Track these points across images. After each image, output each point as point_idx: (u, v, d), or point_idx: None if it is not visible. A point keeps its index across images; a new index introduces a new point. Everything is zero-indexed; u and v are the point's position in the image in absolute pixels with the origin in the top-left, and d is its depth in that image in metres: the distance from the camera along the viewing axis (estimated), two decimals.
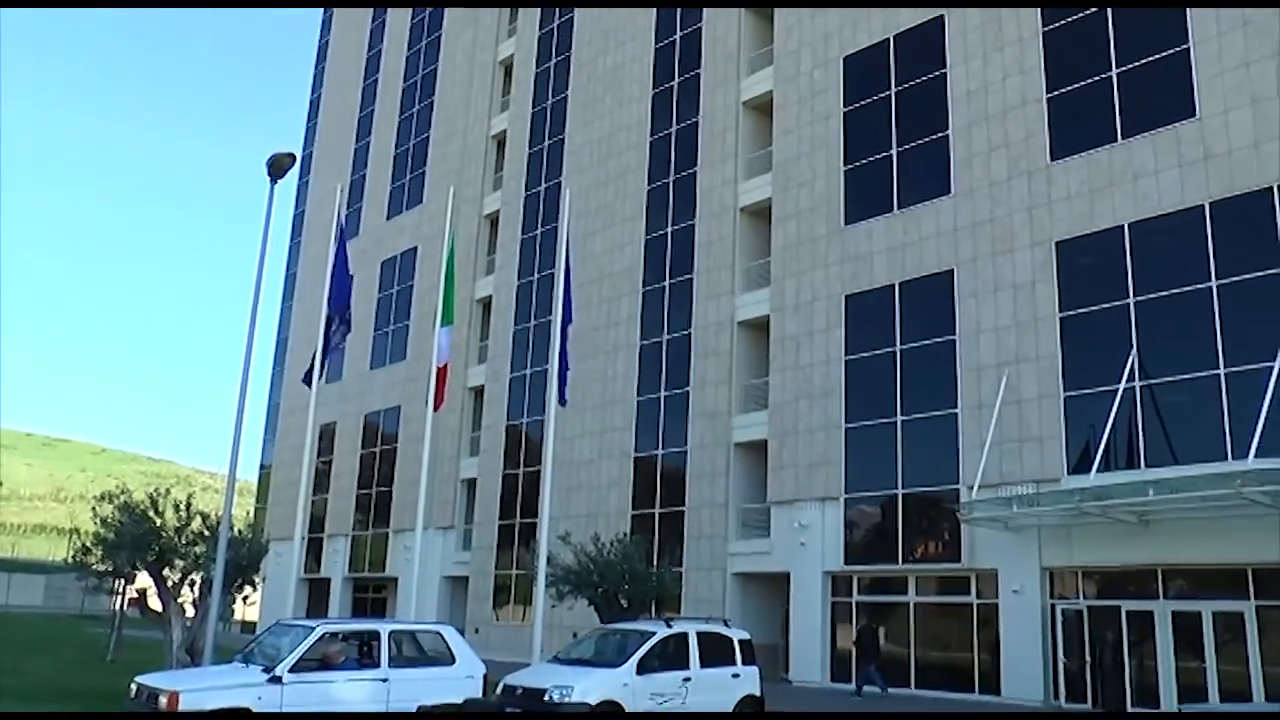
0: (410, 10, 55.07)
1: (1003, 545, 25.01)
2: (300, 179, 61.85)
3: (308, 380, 21.25)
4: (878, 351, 28.64)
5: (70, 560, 20.69)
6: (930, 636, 27.12)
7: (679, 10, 38.49)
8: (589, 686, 15.48)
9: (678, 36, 38.34)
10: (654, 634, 16.66)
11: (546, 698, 15.28)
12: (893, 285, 28.81)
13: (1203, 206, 23.03)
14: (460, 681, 14.71)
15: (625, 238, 37.98)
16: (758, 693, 17.40)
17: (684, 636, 16.92)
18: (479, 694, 14.81)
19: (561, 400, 21.11)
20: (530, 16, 46.31)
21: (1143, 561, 22.87)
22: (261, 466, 59.18)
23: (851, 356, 29.33)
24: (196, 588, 19.58)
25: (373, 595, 48.01)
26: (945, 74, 28.95)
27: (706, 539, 32.08)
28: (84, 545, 19.63)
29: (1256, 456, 19.91)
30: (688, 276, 35.13)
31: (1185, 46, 24.05)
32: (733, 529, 31.80)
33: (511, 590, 38.62)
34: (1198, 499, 20.65)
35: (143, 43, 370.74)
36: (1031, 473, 24.63)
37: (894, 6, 30.67)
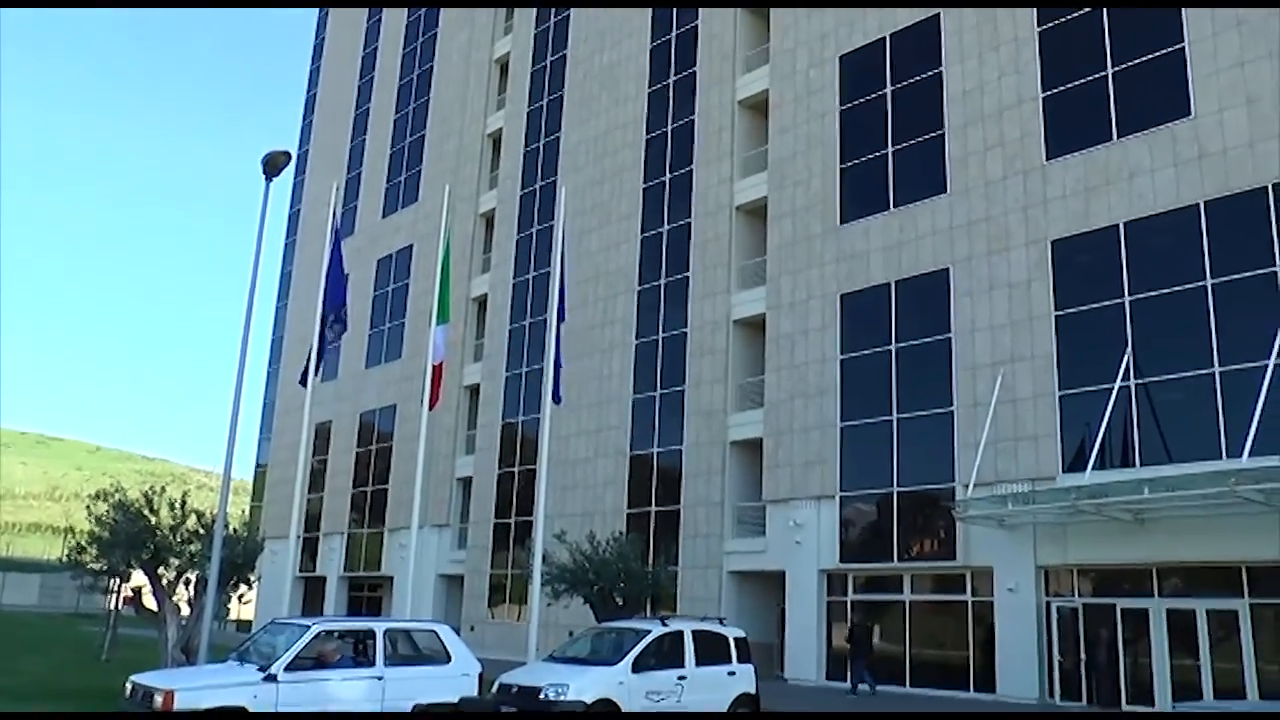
0: (406, 9, 55.03)
1: (998, 543, 25.05)
2: (296, 177, 61.72)
3: (304, 380, 21.24)
4: (873, 350, 28.66)
5: (65, 559, 20.61)
6: (925, 635, 27.15)
7: (675, 9, 38.49)
8: (584, 685, 15.49)
9: (673, 35, 38.34)
10: (649, 632, 16.67)
11: (542, 696, 15.29)
12: (888, 284, 28.83)
13: (1198, 205, 23.08)
14: (456, 680, 14.71)
15: (621, 236, 37.98)
16: (753, 691, 17.42)
17: (679, 635, 16.93)
18: (474, 692, 14.82)
19: (556, 399, 21.12)
20: (526, 15, 46.29)
21: (1138, 560, 22.92)
22: (257, 465, 59.10)
23: (847, 355, 29.35)
24: (191, 586, 19.55)
25: (368, 594, 47.99)
26: (941, 73, 28.97)
27: (702, 537, 32.09)
28: (79, 544, 19.58)
29: (1251, 455, 19.96)
30: (683, 275, 35.14)
31: (1180, 46, 24.09)
32: (728, 527, 31.82)
33: (507, 589, 38.62)
34: (1193, 497, 20.71)
35: (138, 42, 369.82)
36: (1027, 471, 24.66)
37: (890, 6, 30.69)
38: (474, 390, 43.54)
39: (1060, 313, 25.05)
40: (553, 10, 44.69)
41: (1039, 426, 24.75)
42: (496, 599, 39.14)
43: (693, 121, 36.48)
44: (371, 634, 14.53)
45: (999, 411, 25.26)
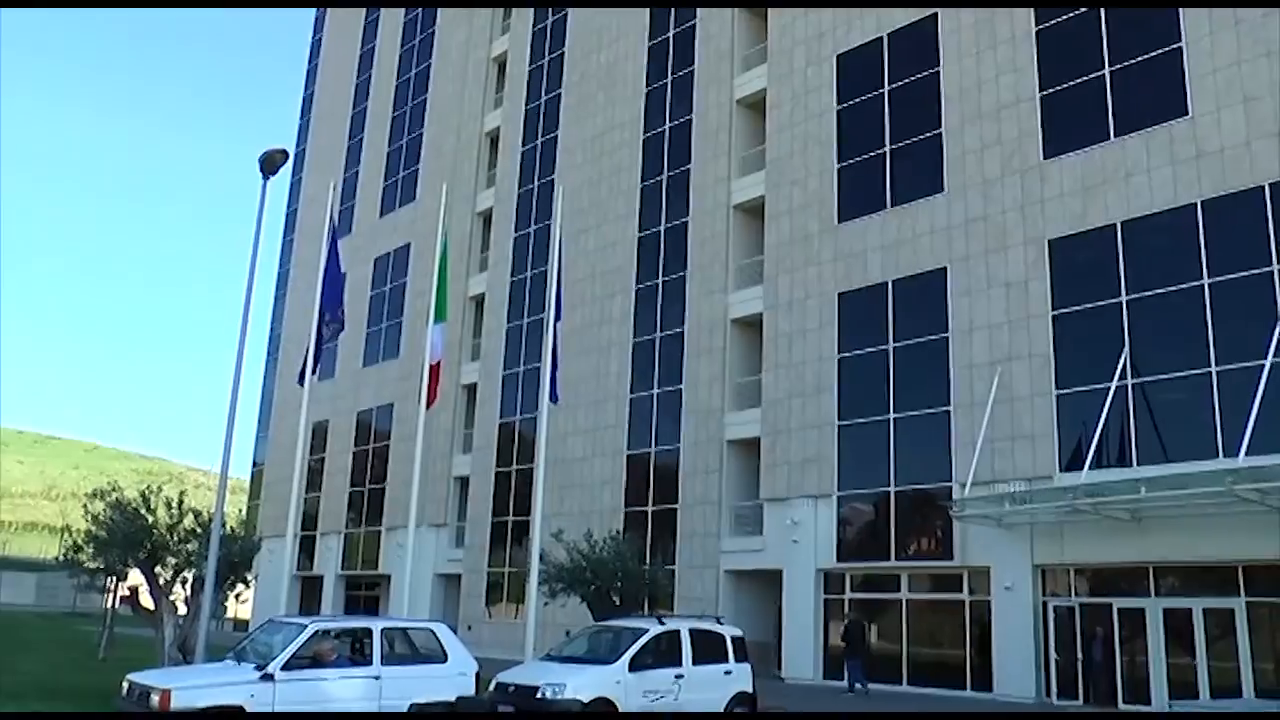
0: (403, 7, 54.96)
1: (995, 542, 25.06)
2: (293, 176, 61.71)
3: (301, 379, 21.22)
4: (871, 349, 28.68)
5: (62, 558, 20.60)
6: (922, 633, 27.16)
7: (673, 9, 38.48)
8: (581, 684, 15.48)
9: (671, 34, 38.32)
10: (646, 631, 16.66)
11: (539, 695, 15.28)
12: (886, 283, 28.84)
13: (1195, 205, 23.10)
14: (453, 679, 14.71)
15: (618, 235, 37.97)
16: (750, 690, 17.41)
17: (676, 634, 16.93)
18: (471, 691, 14.82)
19: (553, 397, 21.11)
20: (523, 14, 46.25)
21: (1134, 559, 22.94)
22: (254, 464, 59.11)
23: (844, 354, 29.36)
24: (188, 585, 19.54)
25: (365, 593, 47.98)
26: (938, 72, 28.97)
27: (699, 536, 32.09)
28: (75, 543, 19.57)
29: (1248, 454, 19.97)
30: (681, 274, 35.13)
31: (1178, 45, 24.11)
32: (725, 526, 31.83)
33: (504, 588, 38.62)
34: (1189, 497, 20.76)
35: (134, 39, 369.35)
36: (1024, 470, 24.68)
37: (887, 6, 30.68)
38: (471, 389, 43.53)
39: (1057, 312, 25.07)
40: (550, 9, 44.68)
41: (1036, 426, 24.77)
42: (494, 598, 39.14)
43: (690, 120, 36.47)
44: (368, 633, 14.53)
45: (996, 411, 25.28)
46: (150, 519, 19.22)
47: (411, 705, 14.11)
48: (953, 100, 28.44)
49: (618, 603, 23.10)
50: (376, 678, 14.03)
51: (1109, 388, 23.24)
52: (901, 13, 30.33)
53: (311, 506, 50.06)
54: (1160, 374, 22.91)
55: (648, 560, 28.26)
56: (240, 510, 58.49)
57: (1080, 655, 23.65)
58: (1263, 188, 22.10)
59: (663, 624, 17.08)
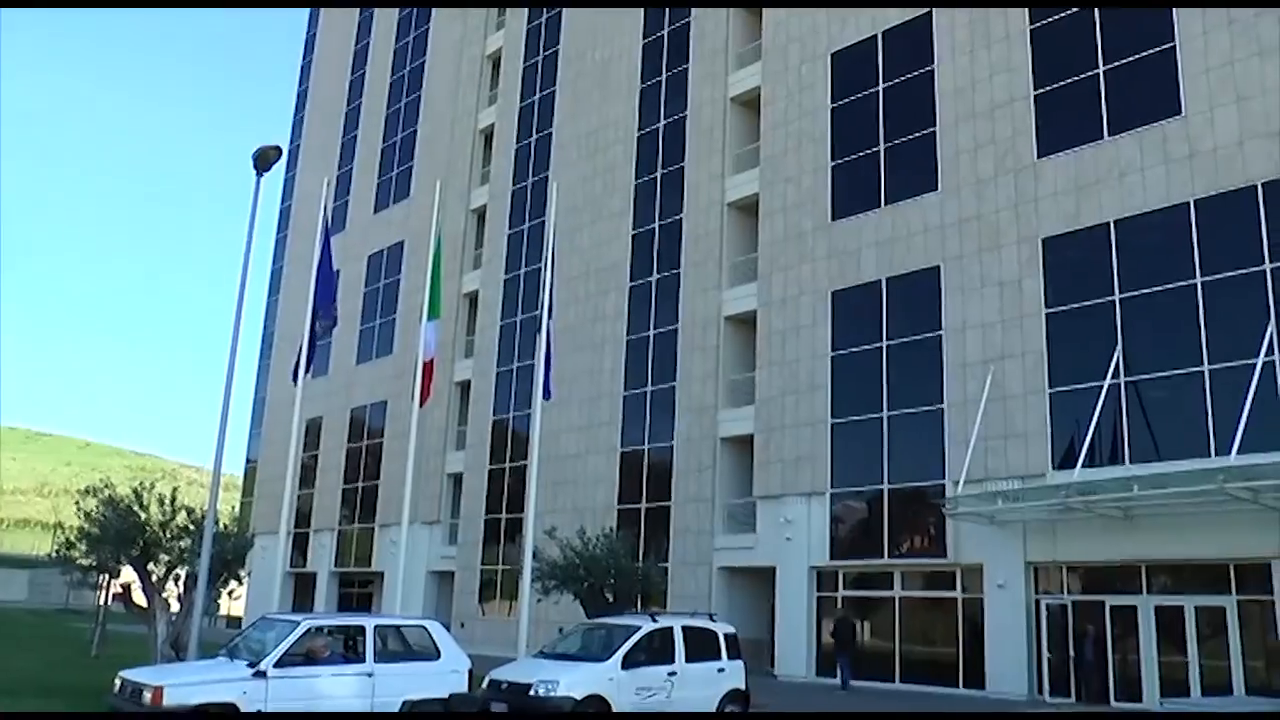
0: (398, 7, 54.79)
1: (988, 540, 25.11)
2: (287, 172, 61.57)
3: (295, 377, 21.17)
4: (864, 347, 28.70)
5: (54, 555, 20.57)
6: (915, 631, 27.21)
7: (667, 8, 38.43)
8: (574, 681, 15.48)
9: (665, 31, 38.30)
10: (639, 629, 16.66)
11: (532, 692, 15.28)
12: (879, 281, 28.86)
13: (1188, 204, 23.16)
14: (445, 676, 14.68)
15: (612, 232, 37.96)
16: (743, 687, 17.41)
17: (669, 631, 16.92)
18: (464, 689, 14.79)
19: (546, 394, 21.09)
20: (518, 11, 46.19)
21: (1126, 557, 23.00)
22: (247, 461, 58.99)
23: (838, 352, 29.38)
24: (181, 582, 19.51)
25: (358, 590, 47.94)
26: (933, 70, 29.00)
27: (692, 534, 32.11)
28: (68, 540, 19.53)
29: (1239, 452, 20.03)
30: (675, 271, 35.14)
31: (1171, 45, 24.16)
32: (719, 524, 31.84)
33: (498, 585, 38.61)
34: (1181, 495, 20.81)
35: (128, 36, 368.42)
36: (1016, 468, 24.73)
37: (882, 6, 30.69)
38: (465, 386, 43.51)
39: (1051, 310, 25.11)
40: (544, 6, 44.62)
41: (1029, 424, 24.82)
42: (487, 595, 39.13)
43: (684, 118, 36.47)
44: (361, 630, 14.49)
45: (989, 409, 25.31)
46: (143, 516, 19.18)
47: (404, 703, 14.08)
48: (947, 99, 28.47)
49: (611, 600, 23.09)
50: (369, 675, 14.00)
51: (1101, 386, 23.29)
52: (896, 11, 30.35)
53: (305, 503, 49.99)
54: (1152, 373, 22.96)
55: (641, 557, 28.24)
56: (233, 507, 58.40)
57: (1072, 653, 23.72)
58: (1255, 187, 22.16)
59: (656, 621, 17.08)
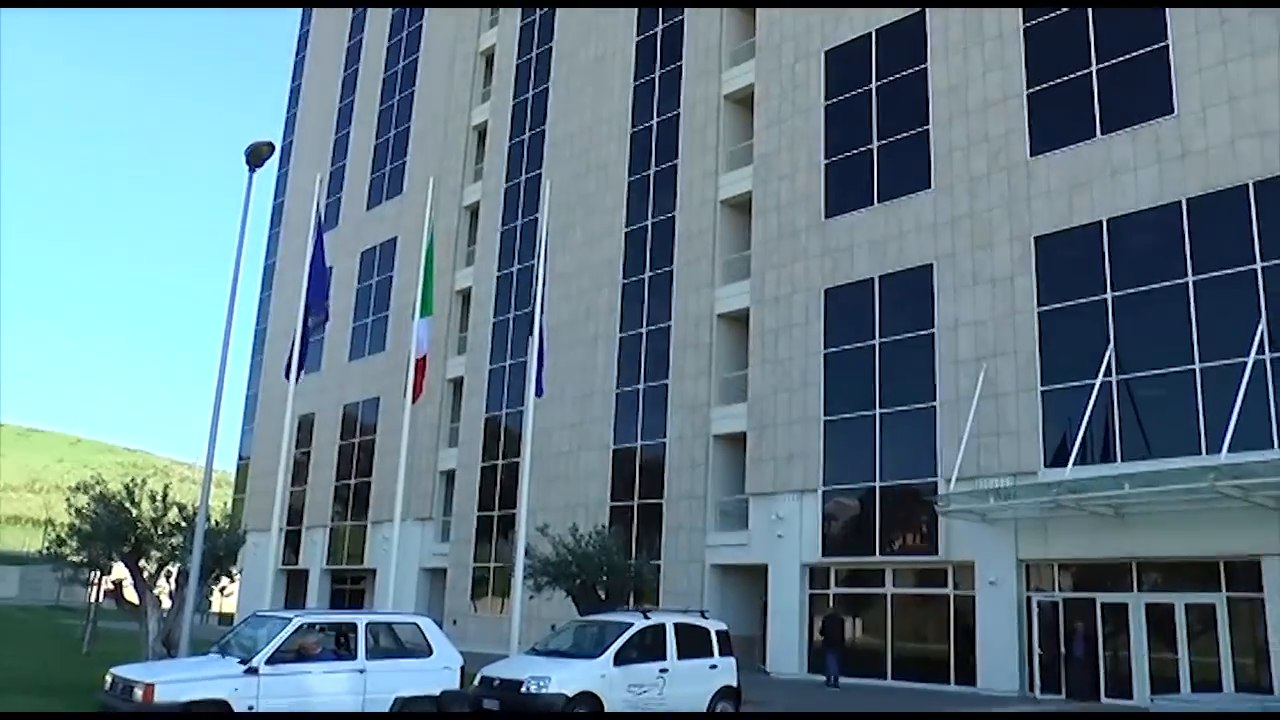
0: (392, 7, 54.64)
1: (979, 538, 25.16)
2: (280, 169, 61.44)
3: (288, 373, 21.13)
4: (857, 345, 28.73)
5: (45, 551, 20.48)
6: (907, 628, 27.27)
7: (660, 7, 38.39)
8: (566, 677, 15.50)
9: (659, 29, 38.28)
10: (631, 625, 16.68)
11: (524, 689, 15.30)
12: (872, 279, 28.89)
13: (1180, 203, 23.21)
14: (437, 673, 14.68)
15: (606, 230, 37.94)
16: (734, 684, 17.45)
17: (661, 628, 16.95)
18: (456, 685, 14.80)
19: (539, 391, 21.09)
20: (511, 8, 46.09)
21: (1118, 554, 23.06)
22: (240, 457, 58.89)
23: (831, 349, 29.41)
24: (173, 579, 19.46)
25: (351, 587, 47.89)
26: (926, 68, 29.01)
27: (685, 531, 32.13)
28: (59, 536, 19.45)
29: (1230, 450, 20.10)
30: (668, 269, 35.13)
31: (1164, 44, 24.20)
32: (711, 521, 31.86)
33: (490, 582, 38.60)
34: (1172, 492, 20.87)
35: (121, 32, 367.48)
36: (1008, 466, 24.78)
37: (875, 6, 30.69)
38: (457, 383, 43.46)
39: (1043, 308, 25.15)
40: (538, 5, 44.52)
41: (1021, 421, 24.87)
42: (479, 592, 39.12)
43: (678, 115, 36.45)
44: (353, 627, 14.49)
45: (981, 406, 25.36)
46: (134, 512, 19.12)
47: (396, 699, 14.08)
48: (940, 97, 28.49)
49: (603, 597, 23.09)
50: (361, 671, 13.99)
51: (1093, 384, 23.34)
52: (890, 9, 30.35)
53: (297, 500, 49.93)
54: (1144, 371, 23.02)
55: (633, 554, 28.27)
56: (225, 504, 58.24)
57: (1063, 650, 23.79)
58: (1247, 186, 22.22)
59: (648, 618, 17.10)
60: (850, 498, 28.18)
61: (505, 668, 16.37)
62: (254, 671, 13.09)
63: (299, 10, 65.63)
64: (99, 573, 23.23)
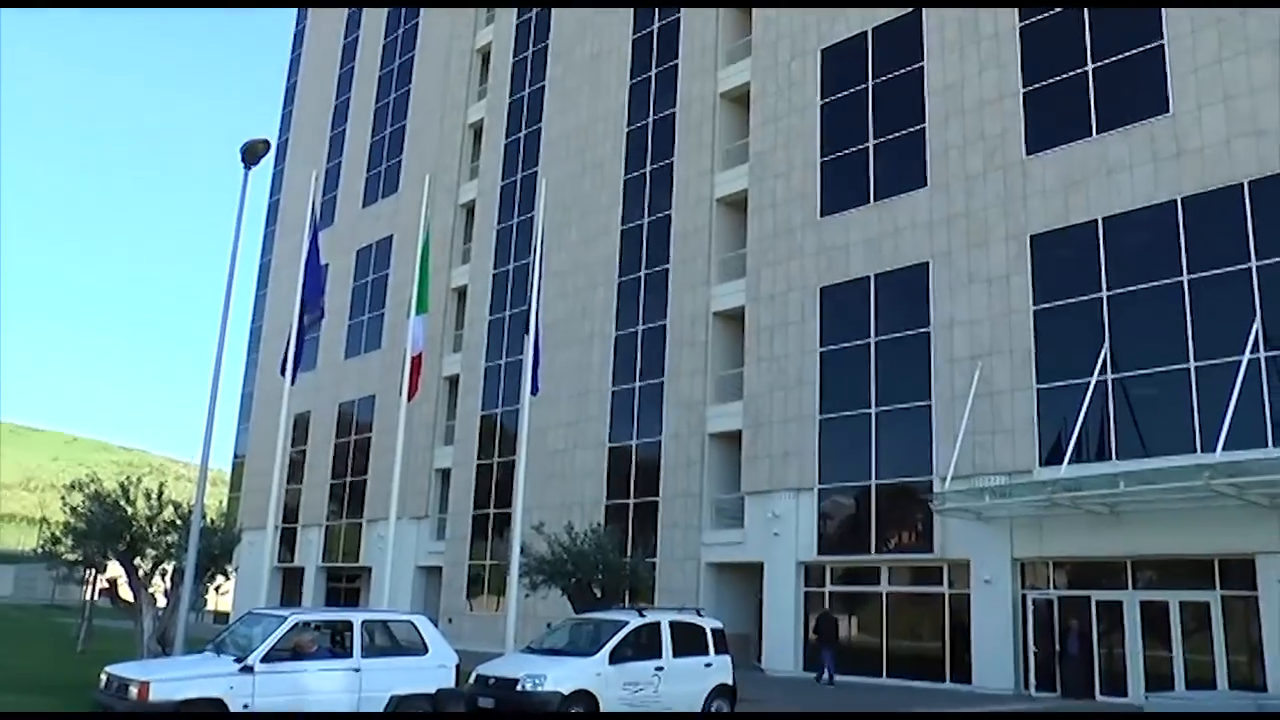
0: (386, 7, 54.56)
1: (975, 536, 25.19)
2: (275, 166, 61.39)
3: (284, 370, 21.10)
4: (852, 343, 28.74)
5: (40, 550, 20.46)
6: (902, 626, 27.30)
7: (656, 7, 38.36)
8: (562, 675, 15.50)
9: (655, 27, 38.27)
10: (627, 624, 16.68)
11: (519, 687, 15.29)
12: (868, 277, 28.90)
13: (1175, 202, 23.24)
14: (433, 671, 14.66)
15: (601, 228, 37.93)
16: (730, 682, 17.45)
17: (657, 626, 16.95)
18: (451, 683, 14.78)
19: (534, 389, 21.08)
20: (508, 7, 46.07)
21: (1113, 552, 23.10)
22: (235, 456, 58.84)
23: (826, 348, 29.43)
24: (168, 577, 19.45)
25: (346, 585, 47.87)
26: (922, 67, 29.03)
27: (680, 529, 32.14)
28: (54, 535, 19.43)
29: (1225, 449, 20.15)
30: (663, 267, 35.13)
31: (1160, 43, 24.24)
32: (707, 519, 31.87)
33: (485, 580, 38.59)
34: (1167, 491, 20.91)
35: (113, 28, 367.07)
36: (1004, 464, 24.81)
37: (869, 7, 30.69)
38: (453, 381, 43.45)
39: (1039, 307, 25.18)
40: (535, 6, 44.48)
41: (1016, 420, 24.90)
42: (475, 590, 39.11)
43: (674, 114, 36.45)
44: (349, 625, 14.46)
45: (977, 405, 25.38)
46: (129, 510, 19.09)
47: (391, 698, 14.06)
48: (936, 95, 28.51)
49: (598, 595, 23.11)
50: (356, 670, 13.97)
51: (1089, 383, 23.37)
52: (886, 8, 30.36)
53: (292, 498, 49.88)
54: (1139, 369, 23.05)
55: (629, 553, 28.25)
56: (221, 502, 58.28)
57: (1058, 647, 23.83)
58: (1242, 185, 22.25)
59: (643, 616, 17.10)
60: (846, 496, 28.20)
61: (501, 666, 16.37)
62: (249, 670, 13.06)
63: (295, 8, 65.53)
64: (94, 571, 23.21)
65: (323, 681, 13.68)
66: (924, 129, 28.55)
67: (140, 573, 19.17)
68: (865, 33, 30.72)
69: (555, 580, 23.24)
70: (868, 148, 29.84)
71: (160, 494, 19.54)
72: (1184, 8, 23.92)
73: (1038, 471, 24.00)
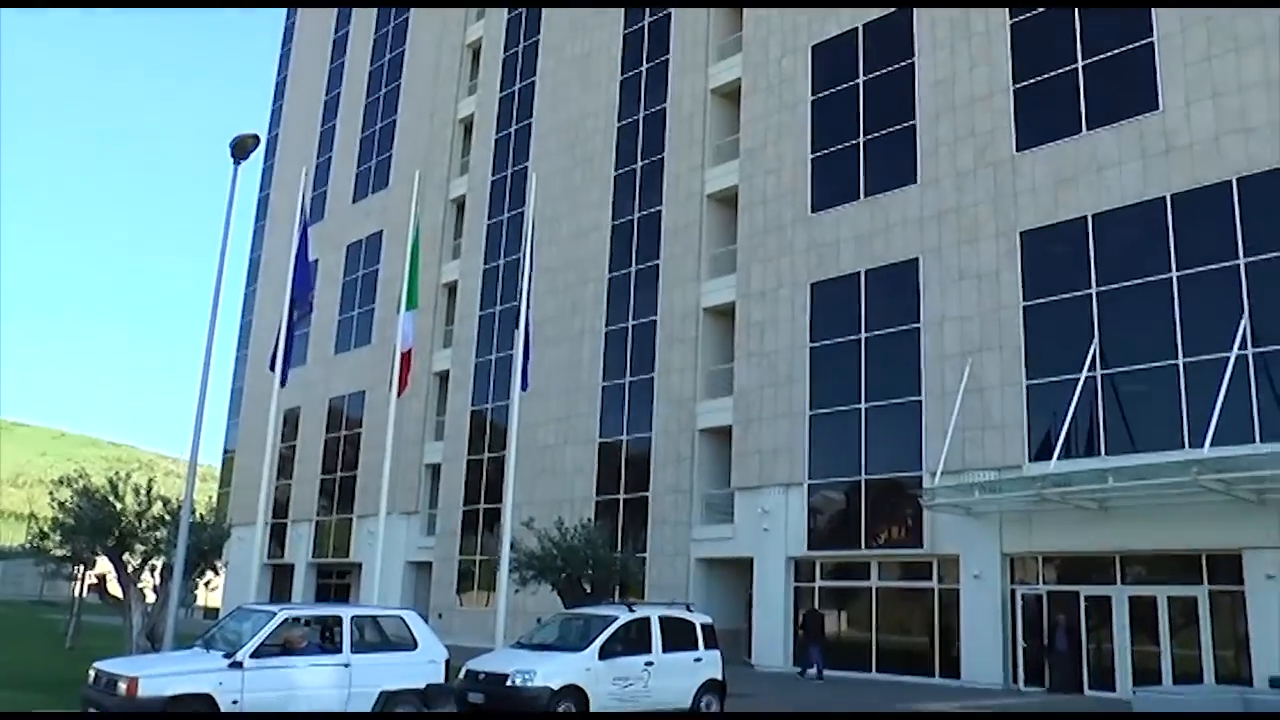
0: (375, 7, 54.38)
1: (964, 531, 25.25)
2: (265, 161, 61.17)
3: (273, 365, 21.04)
4: (842, 339, 28.78)
5: (28, 546, 20.38)
6: (891, 621, 27.37)
7: (646, 7, 38.31)
8: (551, 671, 15.51)
9: (646, 23, 38.23)
10: (616, 619, 16.70)
11: (509, 682, 15.30)
12: (858, 273, 28.94)
13: (1164, 198, 23.31)
14: (422, 666, 14.65)
15: (592, 223, 37.90)
16: (719, 677, 17.47)
17: (646, 621, 16.96)
18: (441, 679, 14.79)
19: (524, 385, 21.06)
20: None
21: (1101, 547, 23.19)
22: (225, 451, 58.68)
23: (816, 343, 29.46)
24: (157, 573, 19.39)
25: (336, 581, 47.78)
26: (913, 64, 29.05)
27: (670, 524, 32.16)
28: (42, 530, 19.36)
29: (1212, 445, 20.24)
30: (654, 262, 35.12)
31: (1149, 40, 24.30)
32: (697, 514, 31.90)
33: (475, 576, 38.57)
34: (1156, 486, 20.99)
35: (104, 23, 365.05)
36: (993, 459, 24.88)
37: (859, 7, 30.68)
38: (444, 377, 43.38)
39: (1028, 303, 25.24)
40: (525, 6, 44.44)
41: (1006, 415, 24.96)
42: (465, 586, 39.09)
43: (664, 109, 36.42)
44: (338, 620, 14.44)
45: (967, 401, 25.44)
46: (118, 506, 19.04)
47: (381, 693, 14.05)
48: (926, 92, 28.54)
49: (588, 590, 23.11)
50: (346, 665, 13.95)
51: (1078, 378, 23.44)
52: (875, 7, 30.35)
53: (282, 494, 49.79)
54: (1128, 365, 23.14)
55: (619, 548, 28.29)
56: (210, 498, 58.02)
57: (1047, 642, 23.92)
58: (1230, 182, 22.33)
59: (633, 612, 17.11)
60: (836, 491, 28.25)
61: (490, 661, 16.37)
62: (239, 665, 13.05)
63: (284, 8, 65.25)
64: (83, 567, 23.17)
65: (312, 677, 13.66)
66: (914, 125, 28.58)
67: (129, 568, 19.12)
68: (856, 29, 30.73)
69: (545, 576, 23.24)
70: (858, 144, 29.86)
71: (149, 489, 19.49)
72: (1174, 8, 23.96)
73: (1027, 467, 24.08)
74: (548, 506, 32.86)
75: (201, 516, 20.75)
